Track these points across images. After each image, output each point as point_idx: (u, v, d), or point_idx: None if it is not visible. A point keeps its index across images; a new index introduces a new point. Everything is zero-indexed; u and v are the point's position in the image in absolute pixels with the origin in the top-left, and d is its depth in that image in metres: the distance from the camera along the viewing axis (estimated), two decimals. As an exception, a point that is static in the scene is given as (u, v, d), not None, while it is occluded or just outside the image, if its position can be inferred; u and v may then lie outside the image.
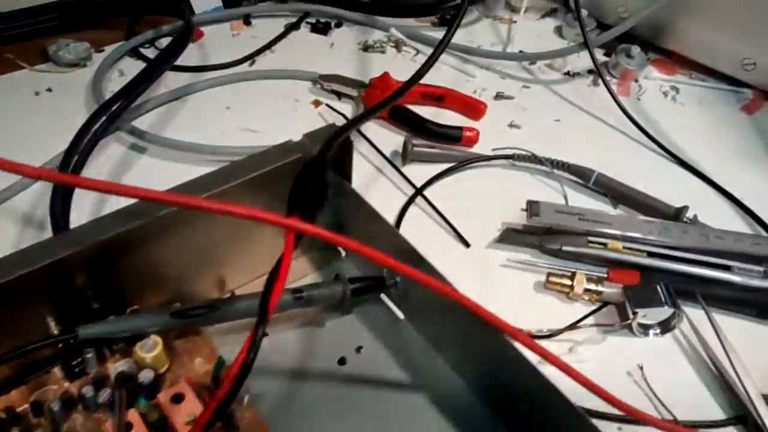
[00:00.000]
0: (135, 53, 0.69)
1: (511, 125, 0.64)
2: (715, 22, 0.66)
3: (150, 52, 0.69)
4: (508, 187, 0.58)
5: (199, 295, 0.44)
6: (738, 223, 0.56)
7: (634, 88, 0.69)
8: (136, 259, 0.38)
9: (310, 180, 0.35)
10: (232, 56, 0.69)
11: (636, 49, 0.69)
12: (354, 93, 0.64)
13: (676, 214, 0.54)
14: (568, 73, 0.70)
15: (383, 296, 0.45)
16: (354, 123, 0.42)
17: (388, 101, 0.51)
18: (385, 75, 0.64)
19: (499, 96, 0.67)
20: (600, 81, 0.69)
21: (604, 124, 0.65)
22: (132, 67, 0.67)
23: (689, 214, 0.54)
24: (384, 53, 0.72)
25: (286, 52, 0.71)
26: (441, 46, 0.57)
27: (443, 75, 0.70)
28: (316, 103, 0.65)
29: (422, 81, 0.64)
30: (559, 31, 0.76)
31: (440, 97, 0.65)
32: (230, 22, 0.74)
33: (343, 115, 0.62)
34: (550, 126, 0.64)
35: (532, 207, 0.52)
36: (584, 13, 0.73)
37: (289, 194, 0.34)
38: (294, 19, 0.75)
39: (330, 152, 0.37)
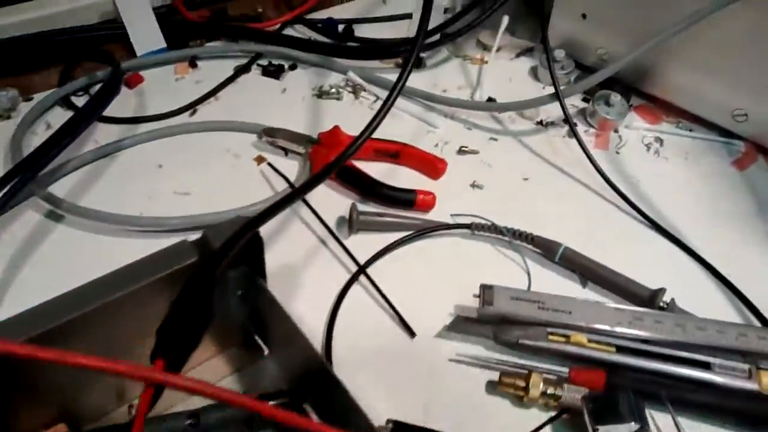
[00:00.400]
0: (66, 102, 0.64)
1: (473, 185, 0.59)
2: (703, 69, 0.61)
3: (83, 101, 0.65)
4: (465, 261, 0.53)
5: (94, 410, 0.39)
6: (723, 305, 0.51)
7: (614, 140, 0.64)
8: (9, 380, 0.33)
9: (187, 308, 0.30)
10: (172, 104, 0.65)
11: (616, 97, 0.63)
12: (300, 149, 0.59)
13: (651, 298, 0.49)
14: (540, 123, 0.65)
15: (307, 406, 0.40)
16: (262, 217, 0.37)
17: (319, 177, 0.46)
18: (336, 129, 0.59)
19: (462, 150, 0.62)
20: (576, 130, 0.64)
21: (578, 184, 0.59)
22: (61, 119, 0.62)
23: (666, 297, 0.49)
24: (340, 100, 0.67)
25: (233, 99, 0.66)
26: (388, 102, 0.52)
27: (403, 125, 0.65)
28: (259, 160, 0.60)
29: (378, 134, 0.60)
30: (534, 72, 0.71)
31: (396, 154, 0.60)
32: (174, 64, 0.69)
33: (285, 177, 0.57)
34: (517, 186, 0.59)
35: (485, 293, 0.46)
36: (561, 53, 0.68)
37: (158, 328, 0.29)
38: (245, 61, 0.70)
39: (220, 267, 0.32)
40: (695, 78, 0.62)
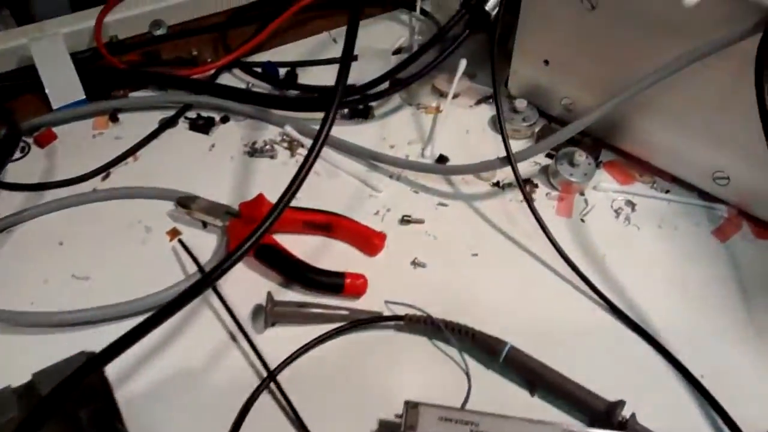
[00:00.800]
0: (-34, 165, 0.58)
1: (414, 263, 0.52)
2: (680, 125, 0.54)
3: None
4: (397, 361, 0.46)
5: None
6: (695, 417, 0.44)
7: (579, 204, 0.57)
8: None
9: None
10: (86, 166, 0.59)
11: (581, 156, 0.57)
12: (218, 222, 0.53)
13: (608, 412, 0.42)
14: (497, 184, 0.58)
15: None
16: (110, 353, 0.31)
17: (217, 271, 0.40)
18: (259, 198, 0.53)
19: (405, 220, 0.55)
20: (538, 193, 0.58)
21: (534, 261, 0.53)
22: (-43, 186, 0.57)
23: (628, 408, 0.42)
24: (274, 158, 0.60)
25: (153, 159, 0.60)
26: (302, 172, 0.46)
27: (343, 187, 0.58)
28: (173, 234, 0.54)
29: (314, 197, 0.54)
30: (494, 122, 0.64)
31: (327, 226, 0.53)
32: (93, 119, 0.63)
33: (194, 259, 0.50)
34: (464, 264, 0.52)
35: (409, 414, 0.40)
36: (523, 103, 0.62)
37: None
38: (173, 113, 0.64)
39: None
40: (671, 134, 0.56)
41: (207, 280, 0.42)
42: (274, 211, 0.46)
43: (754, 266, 0.53)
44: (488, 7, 0.60)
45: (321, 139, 0.48)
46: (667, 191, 0.58)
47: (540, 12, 0.58)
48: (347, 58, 0.51)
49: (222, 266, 0.43)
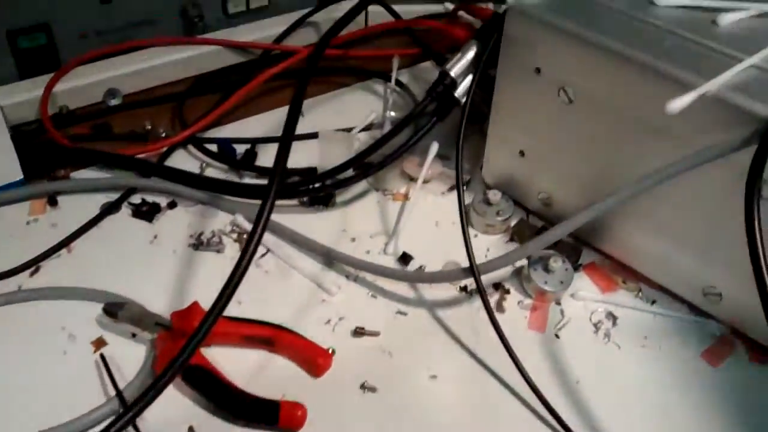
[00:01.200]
0: None
1: (364, 387, 0.47)
2: (668, 234, 0.50)
3: None
4: None
5: None
6: None
7: (555, 314, 0.52)
8: None
9: None
10: (16, 258, 0.54)
11: (556, 262, 0.52)
12: (147, 335, 0.48)
13: None
14: (464, 289, 0.53)
15: None
16: None
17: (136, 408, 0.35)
18: (193, 307, 0.49)
19: (358, 332, 0.50)
20: (510, 300, 0.53)
21: (500, 386, 0.48)
22: None
23: None
24: (220, 252, 0.56)
25: (89, 251, 0.56)
26: (238, 271, 0.42)
27: (294, 289, 0.54)
28: (98, 344, 0.49)
29: (262, 298, 0.50)
30: (466, 214, 0.59)
31: (269, 341, 0.48)
32: (29, 202, 0.59)
33: (114, 383, 0.45)
34: (420, 388, 0.47)
35: None
36: (497, 196, 0.57)
37: None
38: (116, 196, 0.59)
39: None
40: (658, 242, 0.51)
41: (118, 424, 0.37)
42: (200, 331, 0.41)
43: (750, 396, 0.47)
44: (458, 93, 0.56)
45: (255, 239, 0.44)
46: (654, 301, 0.53)
47: (514, 101, 0.53)
48: (287, 138, 0.47)
49: (137, 407, 0.39)
